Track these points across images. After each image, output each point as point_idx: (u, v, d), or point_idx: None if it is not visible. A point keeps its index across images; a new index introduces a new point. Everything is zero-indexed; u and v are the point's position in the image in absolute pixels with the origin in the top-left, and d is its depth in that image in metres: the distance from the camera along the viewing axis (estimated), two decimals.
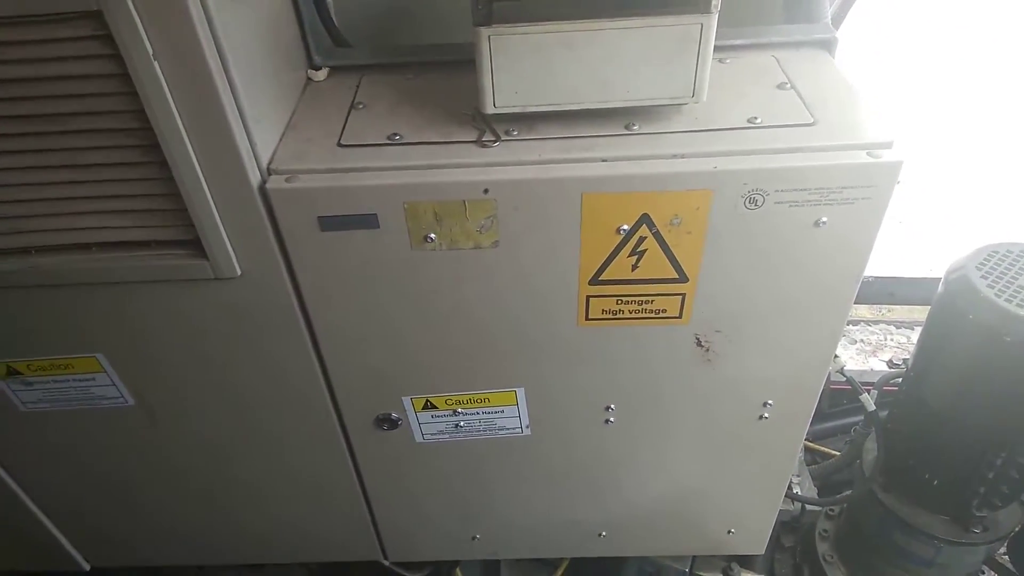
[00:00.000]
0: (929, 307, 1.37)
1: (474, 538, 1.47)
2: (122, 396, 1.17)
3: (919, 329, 1.42)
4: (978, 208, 3.80)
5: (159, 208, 0.94)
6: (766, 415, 1.19)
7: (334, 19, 1.12)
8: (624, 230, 0.96)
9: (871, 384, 1.68)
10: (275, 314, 1.05)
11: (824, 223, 0.95)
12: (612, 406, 1.19)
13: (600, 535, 1.45)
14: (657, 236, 0.97)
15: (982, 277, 1.26)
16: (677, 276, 1.01)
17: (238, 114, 0.87)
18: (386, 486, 1.34)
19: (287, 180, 0.92)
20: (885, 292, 1.98)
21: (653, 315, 1.06)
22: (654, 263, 0.99)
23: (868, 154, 0.91)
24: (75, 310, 1.05)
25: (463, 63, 0.98)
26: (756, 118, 0.97)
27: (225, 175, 0.90)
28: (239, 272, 0.99)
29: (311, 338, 1.08)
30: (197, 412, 1.20)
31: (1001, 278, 1.25)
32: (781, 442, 1.25)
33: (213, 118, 0.86)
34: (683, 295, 1.03)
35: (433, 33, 1.21)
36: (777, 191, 0.92)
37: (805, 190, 0.92)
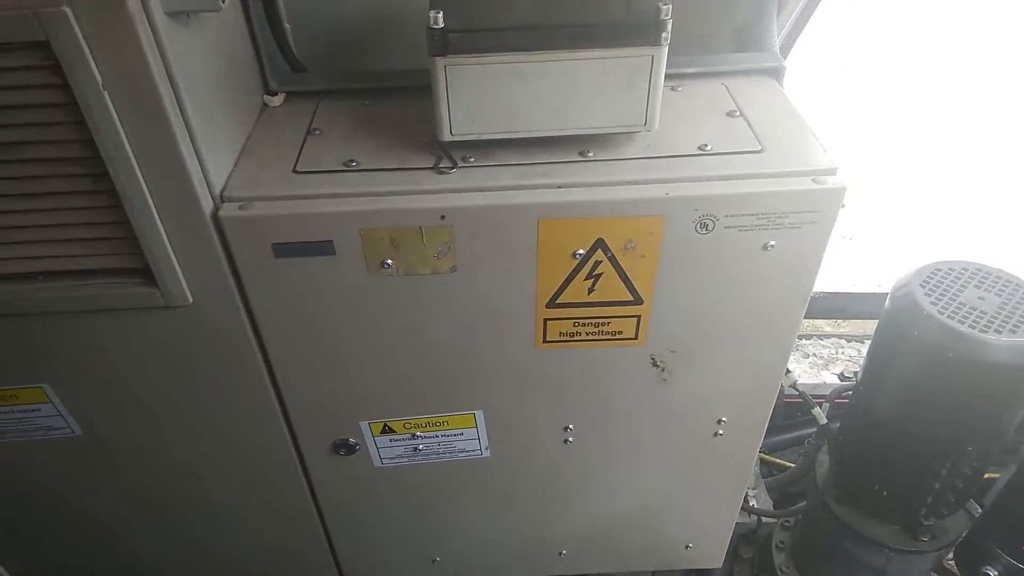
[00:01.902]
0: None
1: (434, 561, 1.46)
2: (69, 426, 1.14)
3: (869, 342, 1.47)
4: (927, 223, 3.92)
5: (109, 236, 0.92)
6: (721, 432, 1.22)
7: (291, 44, 1.12)
8: (580, 255, 0.97)
9: (823, 397, 1.72)
10: (228, 341, 1.03)
11: (772, 246, 0.97)
12: (571, 426, 1.20)
13: (560, 554, 1.46)
14: (612, 260, 0.98)
15: (926, 295, 1.30)
16: (632, 298, 1.03)
17: (190, 141, 0.86)
18: (344, 511, 1.33)
19: (240, 207, 0.92)
20: (836, 307, 2.04)
21: (610, 337, 1.07)
22: (610, 286, 1.01)
23: (814, 180, 0.94)
24: (21, 340, 1.03)
25: (420, 89, 0.99)
26: (707, 145, 0.99)
27: (176, 203, 0.89)
28: (191, 300, 0.98)
29: (265, 364, 1.07)
30: (148, 441, 1.18)
31: (944, 295, 1.30)
32: (736, 458, 1.27)
33: (164, 146, 0.84)
34: (638, 317, 1.05)
35: (390, 59, 1.21)
36: (727, 216, 0.95)
37: (754, 215, 0.95)
